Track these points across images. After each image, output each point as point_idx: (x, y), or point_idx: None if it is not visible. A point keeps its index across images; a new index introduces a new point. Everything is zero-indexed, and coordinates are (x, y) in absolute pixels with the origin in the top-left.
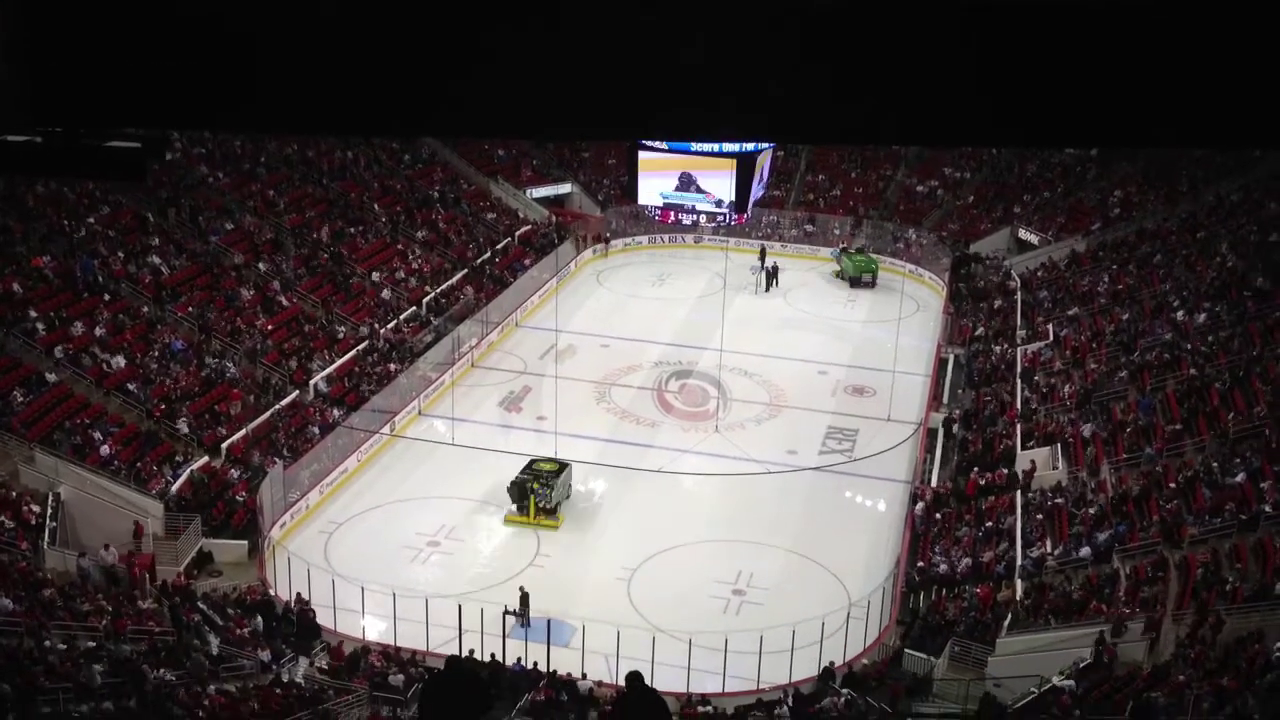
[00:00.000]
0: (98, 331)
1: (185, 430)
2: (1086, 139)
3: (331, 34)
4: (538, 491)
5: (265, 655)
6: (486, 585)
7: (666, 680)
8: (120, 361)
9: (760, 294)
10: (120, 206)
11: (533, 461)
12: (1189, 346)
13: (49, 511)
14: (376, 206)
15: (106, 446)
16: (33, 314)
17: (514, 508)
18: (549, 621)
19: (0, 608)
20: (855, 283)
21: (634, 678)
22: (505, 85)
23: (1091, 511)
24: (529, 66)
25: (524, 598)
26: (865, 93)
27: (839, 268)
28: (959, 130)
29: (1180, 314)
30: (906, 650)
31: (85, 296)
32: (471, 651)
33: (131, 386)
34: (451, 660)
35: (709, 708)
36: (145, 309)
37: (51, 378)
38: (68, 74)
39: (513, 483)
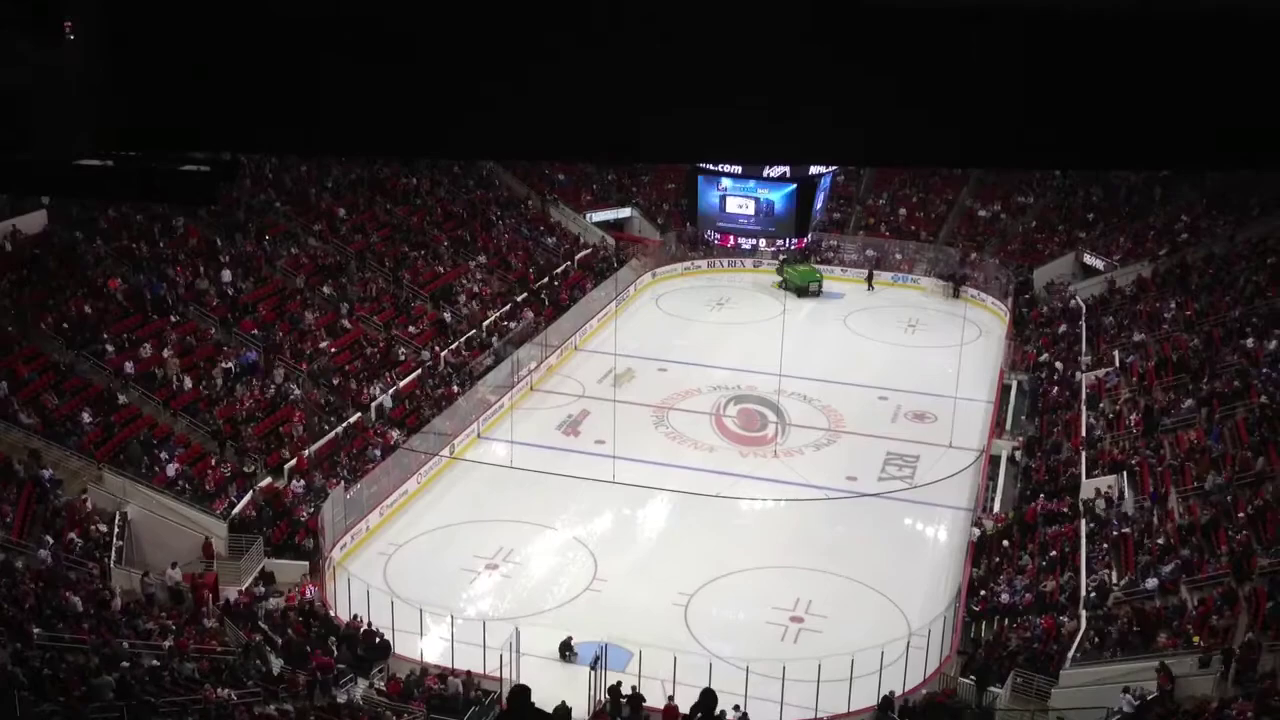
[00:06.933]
0: (165, 353)
1: (249, 450)
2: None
3: (389, 55)
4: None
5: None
6: (543, 609)
7: (723, 707)
8: (188, 383)
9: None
10: (187, 230)
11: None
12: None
13: (116, 530)
14: (438, 231)
15: (173, 466)
16: (104, 335)
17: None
18: (605, 646)
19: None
20: (802, 293)
21: (706, 695)
22: (563, 107)
23: (1159, 542)
24: (590, 88)
25: (567, 643)
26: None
27: (781, 279)
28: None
29: (1250, 341)
30: (966, 680)
31: (154, 318)
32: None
33: (197, 408)
34: (517, 692)
35: None
36: (212, 330)
37: (122, 399)
38: (140, 97)
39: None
